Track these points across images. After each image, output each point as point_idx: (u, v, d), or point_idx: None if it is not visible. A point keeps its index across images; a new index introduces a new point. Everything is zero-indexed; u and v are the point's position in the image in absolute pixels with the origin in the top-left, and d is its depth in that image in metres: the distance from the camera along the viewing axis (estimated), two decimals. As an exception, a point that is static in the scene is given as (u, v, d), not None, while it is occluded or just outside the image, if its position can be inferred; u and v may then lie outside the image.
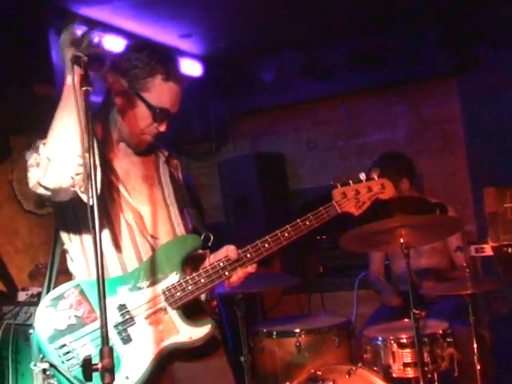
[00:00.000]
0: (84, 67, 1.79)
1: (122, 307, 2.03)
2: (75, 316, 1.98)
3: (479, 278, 3.34)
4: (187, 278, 2.09)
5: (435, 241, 3.70)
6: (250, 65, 5.43)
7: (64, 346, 1.95)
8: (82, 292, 2.02)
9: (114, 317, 2.01)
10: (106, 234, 2.08)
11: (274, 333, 3.52)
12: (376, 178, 2.37)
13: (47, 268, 2.26)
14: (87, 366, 1.58)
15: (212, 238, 2.23)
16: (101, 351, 1.58)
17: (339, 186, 2.32)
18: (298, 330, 3.46)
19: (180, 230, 2.25)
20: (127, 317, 2.02)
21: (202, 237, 2.21)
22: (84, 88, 1.76)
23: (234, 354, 3.69)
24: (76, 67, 1.80)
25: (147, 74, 2.12)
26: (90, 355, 1.63)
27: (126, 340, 2.00)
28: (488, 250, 3.03)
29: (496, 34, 4.70)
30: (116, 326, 2.01)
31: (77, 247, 2.14)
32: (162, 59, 2.16)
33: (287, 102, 5.50)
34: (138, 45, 2.30)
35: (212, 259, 2.21)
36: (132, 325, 2.01)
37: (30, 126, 4.03)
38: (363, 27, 4.89)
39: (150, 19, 4.16)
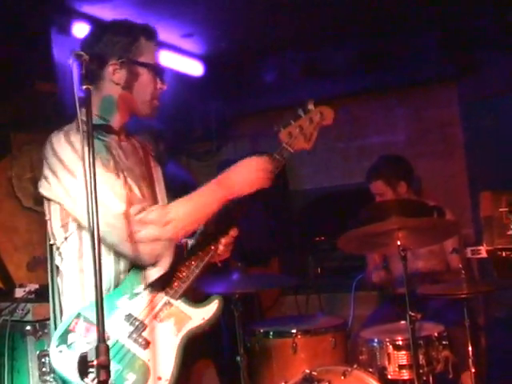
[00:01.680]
0: (85, 65, 1.81)
1: (128, 317, 2.04)
2: (87, 343, 1.96)
3: (475, 281, 3.35)
4: (178, 266, 2.10)
5: (432, 243, 3.71)
6: (251, 65, 5.44)
7: (89, 373, 1.93)
8: (85, 319, 2.01)
9: (125, 328, 2.02)
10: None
11: (271, 333, 3.53)
12: (313, 108, 2.42)
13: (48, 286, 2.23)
14: (83, 362, 1.59)
15: None
16: (97, 348, 1.59)
17: (282, 129, 2.37)
18: (294, 331, 3.46)
19: None
20: (137, 323, 2.03)
21: None
22: (85, 86, 1.77)
23: (230, 354, 3.71)
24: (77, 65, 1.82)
25: (133, 39, 2.16)
26: (86, 352, 1.63)
27: (145, 345, 2.01)
28: (484, 251, 3.05)
29: (496, 39, 4.72)
30: (130, 336, 2.01)
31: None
32: (137, 24, 2.21)
33: (288, 103, 5.50)
34: (108, 25, 2.26)
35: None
36: (145, 329, 2.02)
37: (30, 122, 4.06)
38: (365, 30, 4.90)
39: (152, 18, 4.11)
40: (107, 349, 1.60)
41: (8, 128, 4.16)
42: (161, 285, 2.09)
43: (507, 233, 2.70)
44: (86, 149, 1.73)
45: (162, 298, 2.08)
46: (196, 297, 2.22)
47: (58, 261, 2.17)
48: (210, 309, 2.11)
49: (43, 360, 3.11)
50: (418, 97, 5.25)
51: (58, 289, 2.17)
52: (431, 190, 5.00)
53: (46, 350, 3.16)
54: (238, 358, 3.45)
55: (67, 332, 2.00)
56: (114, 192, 2.02)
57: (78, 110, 1.76)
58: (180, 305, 2.08)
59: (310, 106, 2.42)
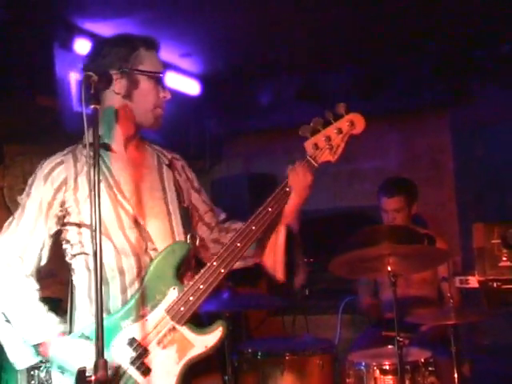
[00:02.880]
0: (94, 86, 1.85)
1: (132, 341, 1.98)
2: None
3: (463, 309, 3.38)
4: (185, 289, 2.04)
5: (422, 270, 3.74)
6: (247, 86, 5.51)
7: None
8: (87, 339, 1.97)
9: (127, 353, 1.97)
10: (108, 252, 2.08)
11: (259, 353, 3.54)
12: (344, 114, 2.24)
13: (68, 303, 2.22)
14: (81, 378, 1.60)
15: (198, 238, 2.21)
16: (95, 364, 1.60)
17: (309, 136, 2.22)
18: (282, 352, 3.49)
19: (180, 240, 2.18)
20: (140, 350, 1.97)
21: (189, 237, 2.16)
22: (93, 106, 1.80)
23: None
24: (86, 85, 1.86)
25: (131, 49, 2.16)
26: (84, 367, 1.65)
27: (146, 372, 1.96)
28: (472, 281, 3.09)
29: (488, 70, 4.81)
30: (132, 362, 1.96)
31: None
32: (136, 35, 2.23)
33: (282, 125, 5.56)
34: (108, 39, 2.28)
35: None
36: (147, 355, 1.97)
37: (26, 134, 4.07)
38: (361, 56, 4.98)
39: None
40: (106, 364, 1.61)
41: (2, 138, 4.16)
42: (167, 308, 2.03)
43: (499, 264, 2.75)
44: (91, 164, 1.77)
45: (168, 323, 2.01)
46: None
47: (72, 275, 2.17)
48: (214, 336, 2.04)
49: (32, 373, 3.10)
50: (410, 123, 5.33)
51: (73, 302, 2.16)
52: (420, 216, 5.06)
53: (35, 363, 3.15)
54: (226, 378, 3.46)
55: None
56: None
57: (85, 130, 1.78)
58: (184, 331, 2.01)
59: (341, 111, 2.23)
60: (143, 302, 2.02)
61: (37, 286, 2.12)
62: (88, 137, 1.78)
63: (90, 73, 1.88)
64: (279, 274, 2.27)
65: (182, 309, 2.02)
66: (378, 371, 3.24)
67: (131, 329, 1.98)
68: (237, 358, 3.60)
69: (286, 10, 4.05)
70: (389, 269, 3.09)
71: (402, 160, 5.34)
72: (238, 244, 2.10)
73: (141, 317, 2.00)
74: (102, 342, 1.61)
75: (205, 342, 2.02)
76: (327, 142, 2.21)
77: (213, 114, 5.54)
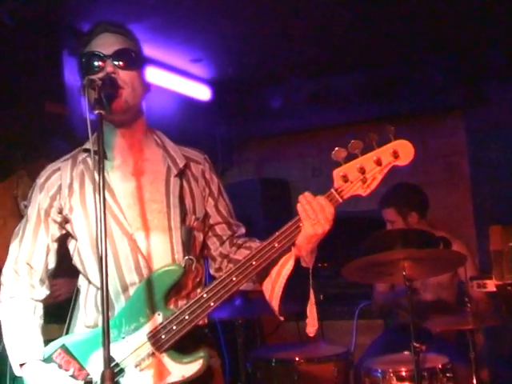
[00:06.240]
0: (98, 91, 1.81)
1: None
2: (68, 377, 1.92)
3: (481, 314, 3.32)
4: (170, 317, 1.94)
5: (438, 274, 3.68)
6: (258, 91, 5.49)
7: None
8: (68, 351, 1.96)
9: None
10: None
11: (273, 360, 3.51)
12: (392, 139, 1.89)
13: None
14: (88, 388, 1.58)
15: (194, 262, 2.05)
16: (102, 374, 1.57)
17: (342, 163, 1.89)
18: (297, 359, 3.45)
19: (178, 258, 2.05)
20: (116, 370, 1.90)
21: (185, 260, 2.03)
22: (97, 111, 1.76)
23: (231, 379, 3.68)
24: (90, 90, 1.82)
25: (85, 43, 2.04)
26: (91, 378, 1.61)
27: None
28: (490, 285, 3.03)
29: (504, 71, 4.76)
30: None
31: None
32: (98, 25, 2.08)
33: (294, 129, 5.54)
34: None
35: None
36: (122, 376, 1.92)
37: (37, 143, 4.07)
38: (373, 58, 4.95)
39: (163, 42, 4.23)
40: (112, 375, 1.58)
41: (15, 147, 4.17)
42: (148, 334, 1.95)
43: (517, 268, 2.69)
44: (95, 169, 1.73)
45: (148, 348, 1.95)
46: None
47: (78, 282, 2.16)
48: (193, 367, 1.95)
49: None
50: (424, 125, 5.27)
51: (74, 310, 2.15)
52: (436, 219, 4.99)
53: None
54: (240, 385, 3.43)
55: (50, 360, 1.97)
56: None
57: (89, 135, 1.75)
58: (163, 358, 1.95)
59: (388, 136, 1.88)
60: (126, 323, 1.97)
61: (42, 296, 2.11)
62: (92, 144, 1.73)
63: (94, 77, 1.84)
64: (277, 313, 2.15)
65: (163, 337, 1.94)
66: (394, 378, 3.20)
67: (111, 347, 1.80)
68: (251, 365, 3.56)
69: (297, 13, 4.02)
70: (404, 273, 3.05)
71: (415, 162, 5.25)
72: (234, 278, 1.94)
73: (121, 337, 1.95)
74: (108, 352, 1.57)
75: (182, 371, 1.95)
76: (361, 173, 1.88)
77: (224, 119, 5.52)
